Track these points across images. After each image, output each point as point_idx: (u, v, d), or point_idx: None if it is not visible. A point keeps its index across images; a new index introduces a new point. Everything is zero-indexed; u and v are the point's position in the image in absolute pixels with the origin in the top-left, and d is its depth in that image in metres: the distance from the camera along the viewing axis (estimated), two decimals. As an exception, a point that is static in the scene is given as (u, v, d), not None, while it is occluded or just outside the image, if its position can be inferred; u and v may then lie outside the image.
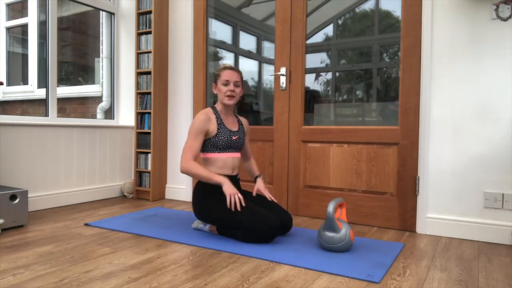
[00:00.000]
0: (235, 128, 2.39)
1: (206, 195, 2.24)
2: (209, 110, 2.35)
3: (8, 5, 4.27)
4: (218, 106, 2.38)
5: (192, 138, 2.23)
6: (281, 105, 2.94)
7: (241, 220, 2.09)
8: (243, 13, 3.25)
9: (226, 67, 2.33)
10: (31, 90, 4.06)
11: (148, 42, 3.35)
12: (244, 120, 2.52)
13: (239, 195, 2.12)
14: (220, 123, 2.31)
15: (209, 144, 2.29)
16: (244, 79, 3.25)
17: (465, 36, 2.30)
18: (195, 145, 2.22)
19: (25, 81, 4.12)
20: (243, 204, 2.10)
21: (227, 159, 2.30)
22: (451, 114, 2.35)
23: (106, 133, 3.42)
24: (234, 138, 2.33)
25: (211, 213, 2.20)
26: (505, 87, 2.21)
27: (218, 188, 2.25)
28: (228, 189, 2.12)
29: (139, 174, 3.45)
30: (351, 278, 1.65)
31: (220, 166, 2.30)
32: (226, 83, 2.29)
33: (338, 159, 2.72)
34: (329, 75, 2.85)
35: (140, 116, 3.44)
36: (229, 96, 2.29)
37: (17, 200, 2.36)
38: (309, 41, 2.87)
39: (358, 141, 2.64)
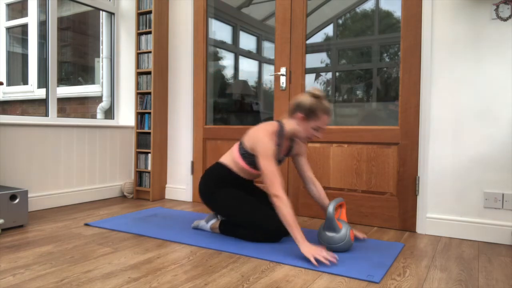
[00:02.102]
0: (283, 153, 2.22)
1: (221, 184, 2.21)
2: (276, 130, 2.07)
3: (8, 5, 4.27)
4: (288, 127, 2.09)
5: (272, 161, 1.97)
6: (281, 105, 2.94)
7: (252, 217, 2.09)
8: (243, 13, 3.25)
9: (329, 112, 2.01)
10: (31, 90, 4.06)
11: (148, 42, 3.35)
12: (298, 145, 2.26)
13: (323, 253, 1.80)
14: (276, 147, 2.11)
15: (252, 159, 2.14)
16: (244, 79, 3.26)
17: (465, 36, 2.30)
18: (277, 169, 1.98)
19: (25, 81, 4.12)
20: (333, 260, 1.79)
21: (254, 174, 2.23)
22: (451, 114, 2.35)
23: (106, 133, 3.42)
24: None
25: (222, 203, 2.18)
26: (505, 87, 2.21)
27: (234, 180, 2.22)
28: (309, 250, 1.82)
29: (139, 174, 3.45)
30: (351, 278, 1.65)
31: (244, 175, 2.24)
32: (318, 129, 2.03)
33: (338, 159, 2.72)
34: (329, 75, 2.85)
35: (140, 116, 3.44)
36: (309, 139, 2.09)
37: (17, 200, 2.36)
38: (309, 41, 2.87)
39: (358, 141, 2.64)
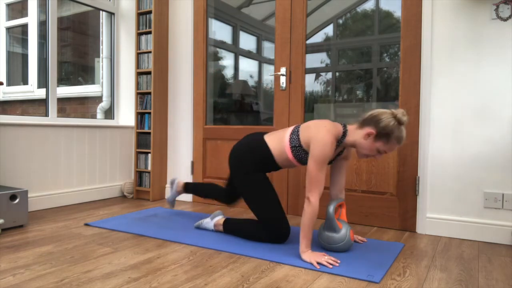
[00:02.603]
0: (331, 158, 2.07)
1: (259, 167, 2.15)
2: (338, 136, 1.92)
3: (8, 5, 4.27)
4: (349, 138, 1.92)
5: (324, 167, 1.86)
6: (281, 105, 2.94)
7: (268, 215, 2.08)
8: (243, 13, 3.25)
9: (401, 143, 1.85)
10: (31, 90, 4.06)
11: (148, 42, 3.35)
12: (347, 150, 2.11)
13: (325, 257, 1.82)
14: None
15: (302, 155, 2.01)
16: (244, 79, 3.26)
17: (465, 36, 2.30)
18: (324, 177, 1.89)
19: (25, 81, 4.12)
20: (335, 264, 1.80)
21: (293, 165, 2.15)
22: (451, 114, 2.35)
23: (106, 133, 3.42)
24: None
25: (249, 188, 2.14)
26: (505, 87, 2.21)
27: (271, 166, 2.16)
28: (309, 256, 1.84)
29: (139, 174, 3.45)
30: (351, 278, 1.65)
31: (282, 163, 2.14)
32: (382, 152, 1.87)
33: (338, 159, 2.72)
34: (329, 75, 2.85)
35: (140, 116, 3.44)
36: (367, 157, 1.93)
37: (17, 200, 2.36)
38: (309, 41, 2.87)
39: (358, 141, 2.64)
